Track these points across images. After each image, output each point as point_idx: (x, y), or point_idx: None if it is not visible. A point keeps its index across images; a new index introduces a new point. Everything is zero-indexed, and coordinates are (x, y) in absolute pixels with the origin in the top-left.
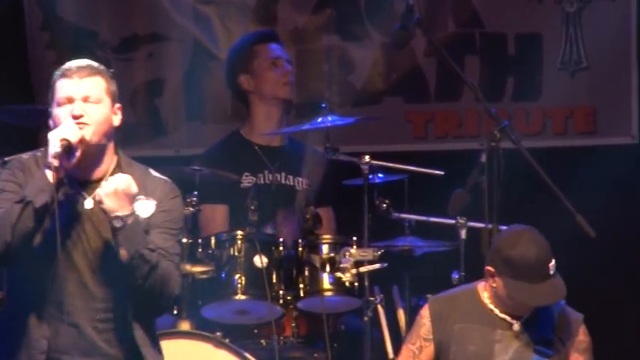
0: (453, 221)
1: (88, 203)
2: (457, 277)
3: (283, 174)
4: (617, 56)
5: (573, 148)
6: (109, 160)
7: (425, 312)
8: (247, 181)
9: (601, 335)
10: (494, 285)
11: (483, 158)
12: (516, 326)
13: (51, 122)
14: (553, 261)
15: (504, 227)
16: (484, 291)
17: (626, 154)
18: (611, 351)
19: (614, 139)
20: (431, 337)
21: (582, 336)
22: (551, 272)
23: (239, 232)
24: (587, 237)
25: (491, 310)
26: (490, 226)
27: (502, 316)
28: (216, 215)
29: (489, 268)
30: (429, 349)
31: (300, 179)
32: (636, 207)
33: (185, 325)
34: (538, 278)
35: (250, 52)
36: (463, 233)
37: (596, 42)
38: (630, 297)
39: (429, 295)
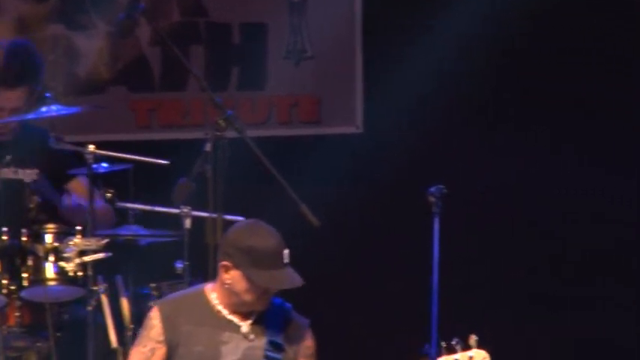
0: (177, 210)
1: None
2: (181, 266)
3: (12, 168)
4: (342, 46)
5: (298, 137)
6: None
7: (154, 314)
8: None
9: (332, 323)
10: (228, 281)
11: (208, 147)
12: (244, 327)
13: None
14: (287, 250)
15: (230, 217)
16: (212, 292)
17: (351, 143)
18: (331, 334)
19: (339, 129)
20: (162, 338)
21: (308, 341)
22: (286, 261)
23: None
24: (311, 226)
25: (219, 311)
26: (215, 215)
27: (230, 317)
28: None
29: (225, 262)
30: (161, 351)
31: (28, 171)
32: (359, 196)
33: None
34: (278, 265)
35: None
36: (187, 222)
37: (321, 31)
38: (356, 284)
39: (152, 285)
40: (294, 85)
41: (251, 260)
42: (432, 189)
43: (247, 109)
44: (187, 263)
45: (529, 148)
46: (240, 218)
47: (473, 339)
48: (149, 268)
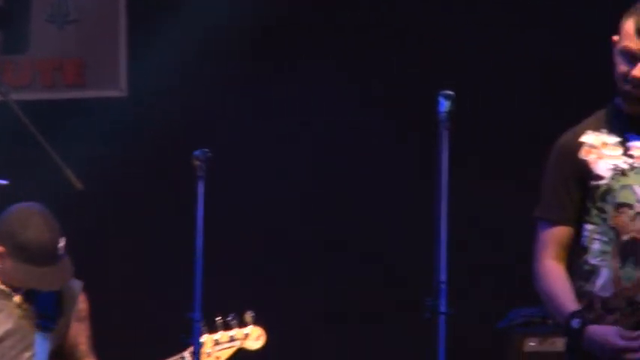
0: None
1: None
2: None
3: None
4: (106, 9)
5: (63, 101)
6: None
7: None
8: None
9: (96, 288)
10: (1, 265)
11: None
12: (17, 298)
13: None
14: (62, 241)
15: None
16: None
17: (116, 107)
18: (95, 301)
19: (104, 92)
20: None
21: (82, 304)
22: (61, 253)
23: None
24: (75, 190)
25: None
26: None
27: (2, 287)
28: None
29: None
30: None
31: None
32: (124, 159)
33: None
34: (47, 262)
35: None
36: None
37: None
38: (121, 249)
39: None
40: (58, 49)
41: (24, 257)
42: (197, 152)
43: (10, 72)
44: None
45: (286, 108)
46: (4, 182)
47: (249, 315)
48: None
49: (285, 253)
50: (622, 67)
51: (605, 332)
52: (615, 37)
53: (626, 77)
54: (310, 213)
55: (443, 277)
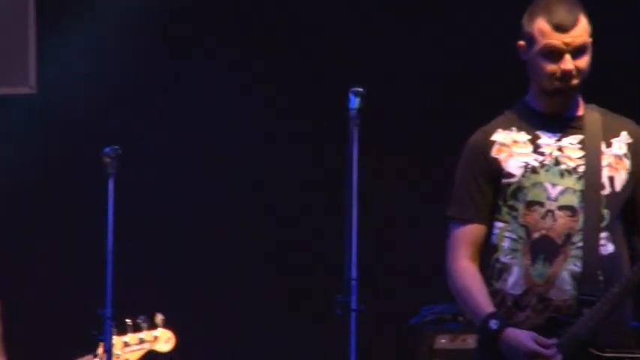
0: None
1: None
2: None
3: None
4: (15, 5)
5: None
6: None
7: None
8: None
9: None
10: None
11: None
12: None
13: None
14: None
15: None
16: None
17: (25, 104)
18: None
19: (13, 89)
20: None
21: None
22: None
23: None
24: None
25: None
26: None
27: None
28: None
29: None
30: None
31: None
32: (34, 157)
33: None
34: None
35: None
36: None
37: None
38: (33, 246)
39: None
40: None
41: None
42: (107, 149)
43: None
44: None
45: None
46: None
47: (159, 318)
48: None
49: (195, 254)
50: (548, 66)
51: (521, 336)
52: (521, 43)
53: (554, 74)
54: (221, 212)
55: (354, 274)
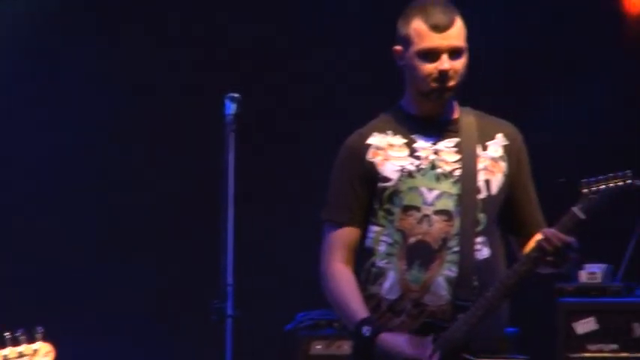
0: None
1: None
2: None
3: None
4: None
5: None
6: None
7: None
8: None
9: None
10: None
11: None
12: None
13: None
14: None
15: None
16: None
17: None
18: None
19: None
20: None
21: None
22: None
23: None
24: None
25: None
26: None
27: None
28: None
29: None
30: None
31: None
32: None
33: None
34: None
35: None
36: None
37: None
38: None
39: None
40: None
41: None
42: None
43: None
44: None
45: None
46: None
47: (38, 331)
48: None
49: (71, 265)
50: (426, 67)
51: (396, 341)
52: (397, 48)
53: (431, 75)
54: (95, 220)
55: (230, 279)
